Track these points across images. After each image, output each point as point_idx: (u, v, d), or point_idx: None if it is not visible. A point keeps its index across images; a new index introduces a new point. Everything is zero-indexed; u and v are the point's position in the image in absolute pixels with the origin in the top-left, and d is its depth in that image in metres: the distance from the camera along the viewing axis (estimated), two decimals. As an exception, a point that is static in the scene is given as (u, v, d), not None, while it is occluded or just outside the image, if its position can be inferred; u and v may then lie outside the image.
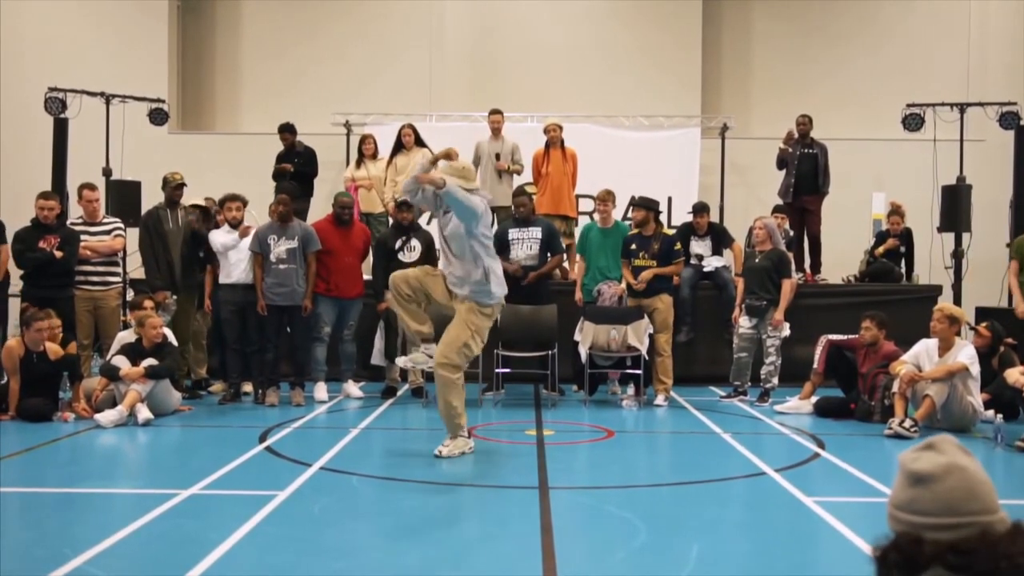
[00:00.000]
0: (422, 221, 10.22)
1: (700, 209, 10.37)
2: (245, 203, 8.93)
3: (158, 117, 12.17)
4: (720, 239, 10.40)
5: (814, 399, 8.44)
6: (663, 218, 12.88)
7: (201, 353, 9.29)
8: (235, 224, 8.73)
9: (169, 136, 13.84)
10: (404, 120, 11.57)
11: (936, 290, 10.66)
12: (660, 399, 8.82)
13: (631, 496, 5.42)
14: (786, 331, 9.01)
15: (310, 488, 5.35)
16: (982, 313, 10.13)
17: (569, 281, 9.85)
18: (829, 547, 4.47)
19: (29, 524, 4.81)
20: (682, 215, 12.52)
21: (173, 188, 8.95)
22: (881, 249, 11.22)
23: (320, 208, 11.37)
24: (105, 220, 9.11)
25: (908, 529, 1.73)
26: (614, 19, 14.89)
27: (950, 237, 11.00)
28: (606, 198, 9.41)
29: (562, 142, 10.59)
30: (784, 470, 5.98)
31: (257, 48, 15.20)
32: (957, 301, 10.34)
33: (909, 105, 11.30)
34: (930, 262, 11.17)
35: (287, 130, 11.45)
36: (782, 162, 11.27)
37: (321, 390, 8.88)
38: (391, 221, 9.80)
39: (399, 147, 10.83)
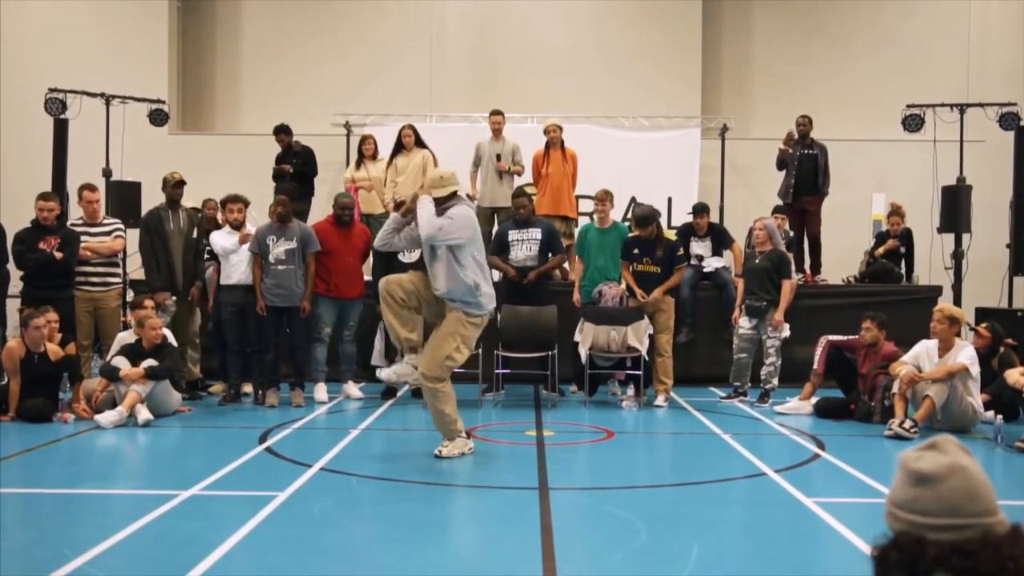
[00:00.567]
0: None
1: (700, 210, 10.37)
2: (247, 204, 8.93)
3: (158, 118, 12.18)
4: (720, 240, 10.40)
5: (814, 400, 8.44)
6: (663, 219, 12.94)
7: (196, 353, 9.28)
8: (236, 226, 8.73)
9: (169, 137, 13.85)
10: (404, 121, 11.56)
11: (936, 291, 10.66)
12: (660, 400, 8.82)
13: (631, 497, 5.42)
14: (786, 332, 9.01)
15: (310, 489, 5.35)
16: (982, 314, 10.12)
17: (568, 282, 9.85)
18: (829, 548, 4.47)
19: (29, 525, 4.81)
20: (682, 216, 12.53)
21: (172, 187, 8.94)
22: (881, 250, 11.22)
23: (320, 208, 11.37)
24: (105, 221, 9.11)
25: (909, 528, 1.72)
26: (614, 20, 14.90)
27: (950, 238, 11.00)
28: (604, 198, 9.41)
29: (562, 143, 10.58)
30: (784, 471, 5.98)
31: (257, 49, 15.21)
32: (957, 302, 10.34)
33: (909, 106, 11.30)
34: (930, 263, 11.17)
35: (282, 131, 11.43)
36: (782, 163, 11.27)
37: (321, 391, 8.88)
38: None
39: (399, 148, 10.83)
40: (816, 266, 11.27)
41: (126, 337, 8.22)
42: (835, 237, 11.69)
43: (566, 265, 10.25)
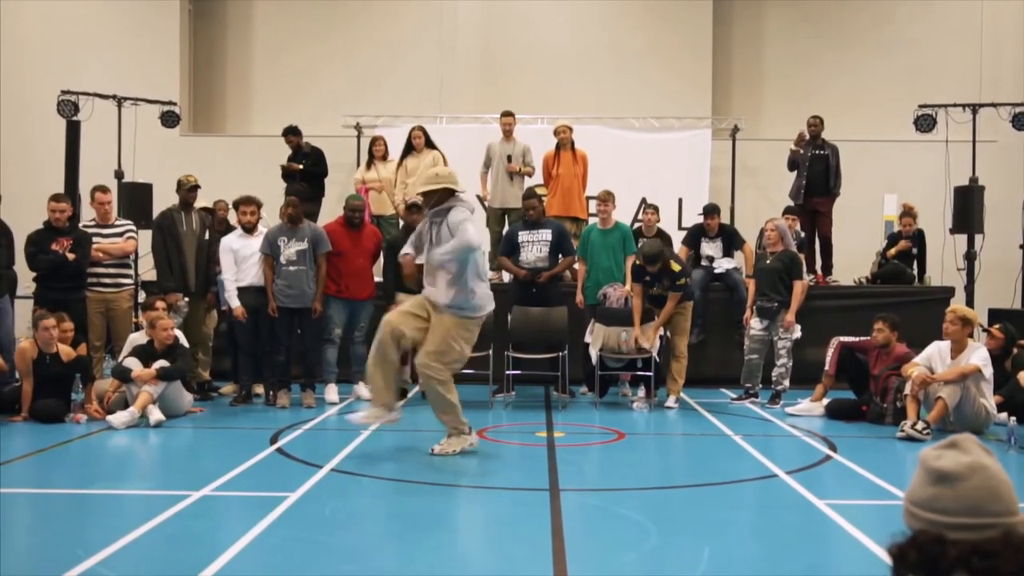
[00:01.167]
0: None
1: (711, 211, 10.35)
2: (260, 206, 8.95)
3: (170, 119, 12.23)
4: (731, 241, 10.37)
5: (825, 401, 8.41)
6: (673, 220, 12.93)
7: (207, 356, 9.31)
8: (249, 228, 8.74)
9: (181, 138, 13.90)
10: (414, 122, 11.58)
11: (948, 292, 10.61)
12: (671, 401, 8.80)
13: (642, 498, 5.41)
14: (797, 333, 8.98)
15: (321, 490, 5.35)
16: (995, 315, 10.08)
17: (573, 283, 9.83)
18: (841, 550, 4.45)
19: (41, 525, 4.83)
20: (693, 217, 12.49)
21: (187, 190, 8.97)
22: (893, 251, 11.18)
23: (331, 209, 11.39)
24: (117, 222, 9.14)
25: (928, 527, 1.71)
26: (624, 20, 14.89)
27: (962, 238, 10.95)
28: (606, 199, 9.39)
29: (572, 144, 10.57)
30: (795, 472, 5.96)
31: (268, 51, 15.26)
32: (970, 303, 10.29)
33: (921, 106, 11.26)
34: (942, 264, 11.11)
35: (291, 132, 11.44)
36: (793, 163, 11.24)
37: (332, 392, 8.89)
38: (401, 223, 9.81)
39: (409, 149, 10.85)
40: (827, 267, 11.23)
41: (138, 338, 8.25)
42: (846, 238, 11.65)
43: (577, 266, 10.23)
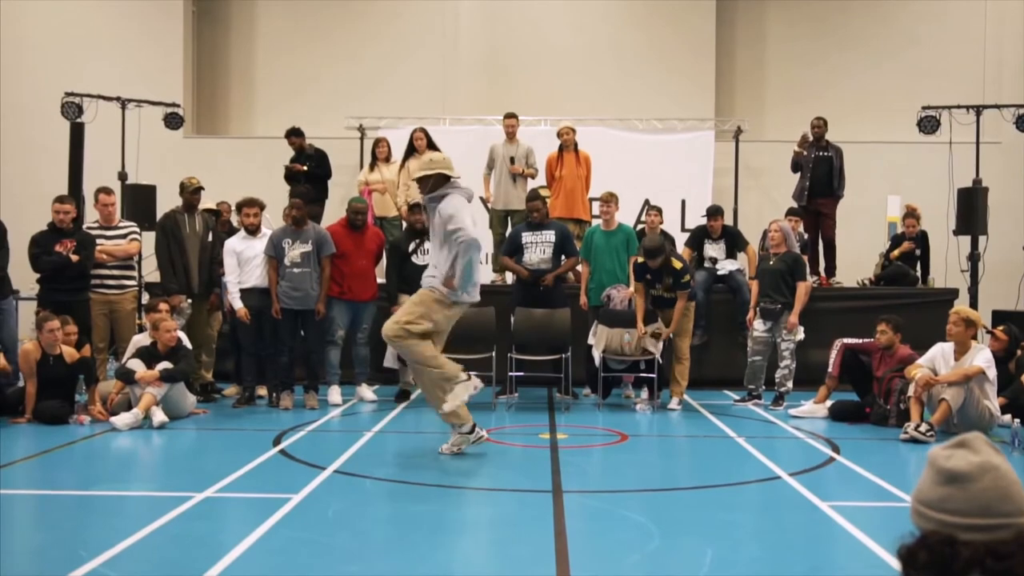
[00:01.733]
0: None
1: (714, 212, 10.34)
2: (262, 208, 8.96)
3: (173, 121, 12.26)
4: (734, 242, 10.37)
5: (829, 403, 8.40)
6: (676, 221, 12.93)
7: (210, 358, 9.31)
8: (252, 230, 8.75)
9: (184, 140, 13.93)
10: (418, 124, 11.58)
11: (952, 293, 10.60)
12: (674, 403, 8.79)
13: (645, 500, 5.40)
14: (801, 334, 8.98)
15: (324, 491, 5.36)
16: (999, 316, 10.06)
17: (577, 284, 9.83)
18: (844, 552, 4.44)
19: (45, 526, 4.84)
20: (696, 218, 12.50)
21: (190, 193, 8.98)
22: (896, 252, 11.16)
23: (334, 211, 11.40)
24: (121, 224, 9.15)
25: (939, 528, 1.69)
26: (627, 22, 14.89)
27: (966, 240, 10.94)
28: (609, 200, 9.39)
29: (576, 145, 10.58)
30: (799, 474, 5.95)
31: (271, 53, 15.29)
32: (973, 304, 10.28)
33: (924, 108, 11.24)
34: (946, 265, 11.10)
35: (294, 134, 11.42)
36: (797, 165, 11.22)
37: (335, 393, 8.89)
38: (404, 224, 9.82)
39: (411, 151, 10.85)
40: (831, 269, 11.21)
41: (141, 340, 8.26)
42: (850, 239, 11.64)
43: (580, 268, 10.23)
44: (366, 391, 9.18)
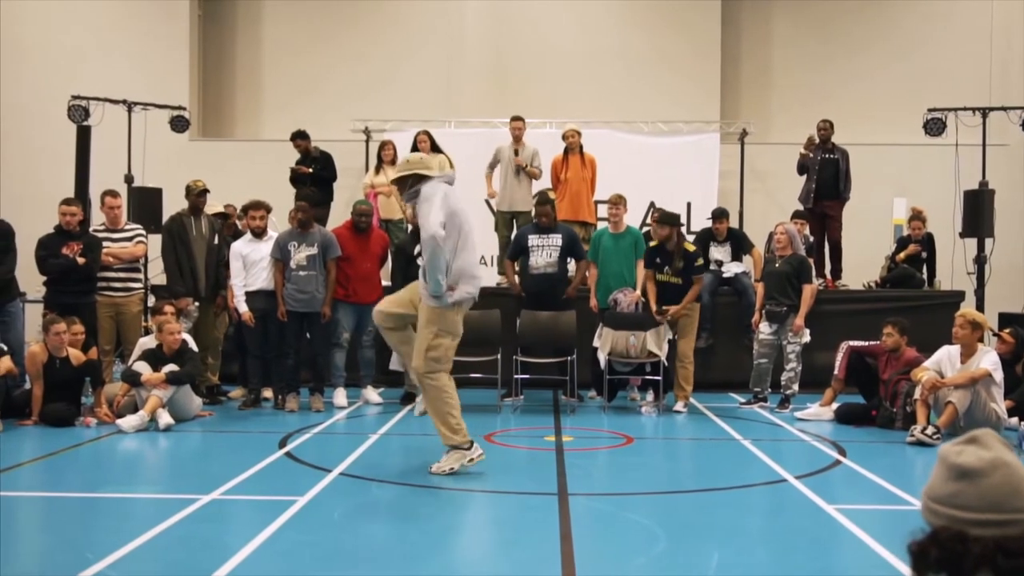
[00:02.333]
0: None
1: (719, 215, 10.33)
2: (268, 210, 8.97)
3: (179, 124, 12.28)
4: (740, 245, 10.36)
5: (835, 406, 8.38)
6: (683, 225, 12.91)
7: (216, 361, 9.33)
8: (258, 232, 8.77)
9: (190, 143, 13.94)
10: (423, 126, 11.58)
11: (958, 296, 10.57)
12: (679, 405, 8.79)
13: (650, 503, 5.40)
14: (806, 337, 8.96)
15: (329, 494, 5.36)
16: (1005, 319, 10.04)
17: (586, 287, 9.83)
18: (850, 555, 4.44)
19: (51, 528, 4.85)
20: (701, 220, 12.47)
21: (196, 195, 9.00)
22: (903, 255, 11.14)
23: (340, 214, 11.40)
24: (127, 227, 9.18)
25: (949, 524, 1.68)
26: (633, 24, 14.88)
27: (972, 242, 10.90)
28: (617, 202, 9.40)
29: (581, 148, 10.57)
30: (805, 477, 5.94)
31: (277, 55, 15.31)
32: (980, 307, 10.26)
33: (931, 110, 11.21)
34: (952, 268, 11.06)
35: (300, 136, 11.42)
36: (803, 167, 11.20)
37: (340, 396, 8.90)
38: (410, 227, 9.82)
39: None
40: (837, 271, 11.20)
41: (147, 342, 8.27)
42: (856, 242, 11.61)
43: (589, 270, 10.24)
44: (371, 393, 9.18)
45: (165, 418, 7.49)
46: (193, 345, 8.33)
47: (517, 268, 9.44)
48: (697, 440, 7.77)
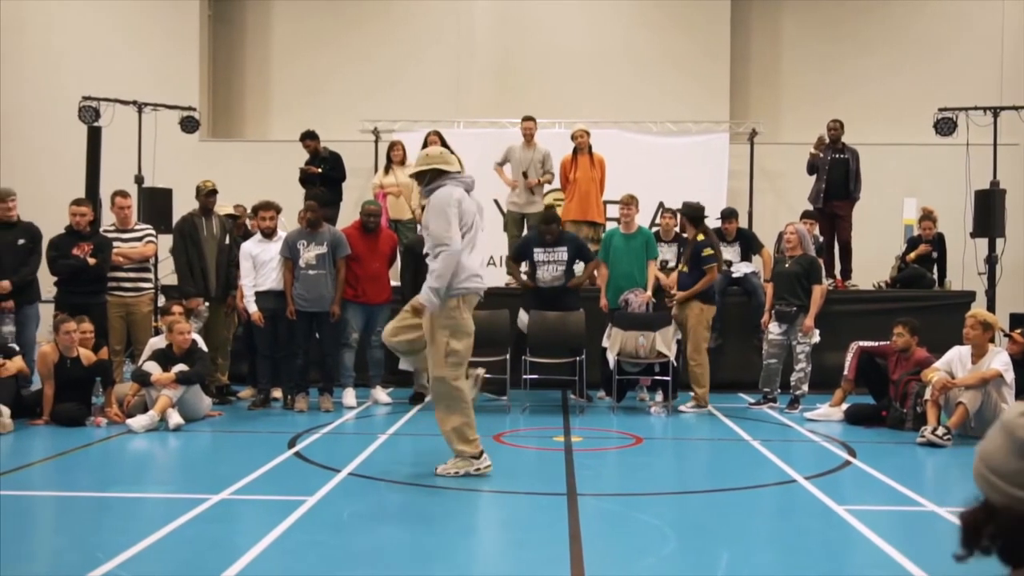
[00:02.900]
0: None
1: (728, 215, 10.32)
2: (279, 211, 8.99)
3: (189, 125, 12.32)
4: (749, 245, 10.33)
5: (845, 406, 8.36)
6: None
7: (226, 361, 9.35)
8: (268, 233, 8.78)
9: (200, 144, 13.98)
10: (432, 126, 11.59)
11: (969, 296, 10.53)
12: (690, 405, 8.77)
13: (660, 503, 5.39)
14: (816, 337, 8.93)
15: (339, 494, 5.37)
16: (1016, 319, 9.99)
17: (596, 287, 9.82)
18: (860, 556, 4.42)
19: (62, 528, 4.87)
20: (711, 221, 12.41)
21: (205, 195, 9.03)
22: (913, 255, 11.10)
23: (349, 214, 11.42)
24: (137, 227, 9.20)
25: (1010, 504, 1.49)
26: (641, 24, 14.86)
27: (983, 242, 10.86)
28: (629, 202, 9.39)
29: (590, 148, 10.56)
30: (814, 478, 5.92)
31: (286, 56, 15.34)
32: (991, 307, 10.21)
33: (941, 109, 11.17)
34: (963, 268, 11.02)
35: (309, 137, 11.44)
36: (813, 167, 11.17)
37: (349, 396, 8.91)
38: (419, 227, 9.82)
39: (425, 155, 10.82)
40: (846, 271, 11.16)
41: (158, 342, 8.30)
42: (866, 242, 11.57)
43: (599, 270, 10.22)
44: (380, 393, 9.19)
45: (175, 418, 7.51)
46: (203, 345, 8.35)
47: (524, 268, 9.44)
48: (706, 440, 7.76)
